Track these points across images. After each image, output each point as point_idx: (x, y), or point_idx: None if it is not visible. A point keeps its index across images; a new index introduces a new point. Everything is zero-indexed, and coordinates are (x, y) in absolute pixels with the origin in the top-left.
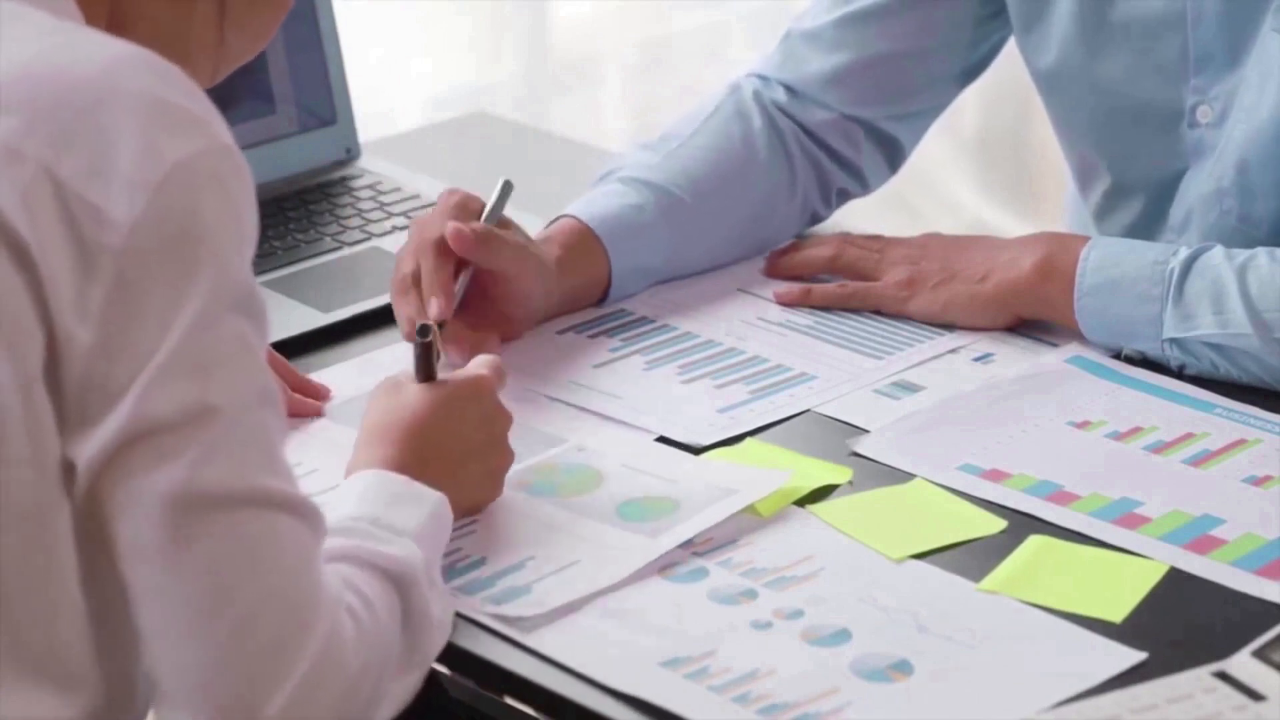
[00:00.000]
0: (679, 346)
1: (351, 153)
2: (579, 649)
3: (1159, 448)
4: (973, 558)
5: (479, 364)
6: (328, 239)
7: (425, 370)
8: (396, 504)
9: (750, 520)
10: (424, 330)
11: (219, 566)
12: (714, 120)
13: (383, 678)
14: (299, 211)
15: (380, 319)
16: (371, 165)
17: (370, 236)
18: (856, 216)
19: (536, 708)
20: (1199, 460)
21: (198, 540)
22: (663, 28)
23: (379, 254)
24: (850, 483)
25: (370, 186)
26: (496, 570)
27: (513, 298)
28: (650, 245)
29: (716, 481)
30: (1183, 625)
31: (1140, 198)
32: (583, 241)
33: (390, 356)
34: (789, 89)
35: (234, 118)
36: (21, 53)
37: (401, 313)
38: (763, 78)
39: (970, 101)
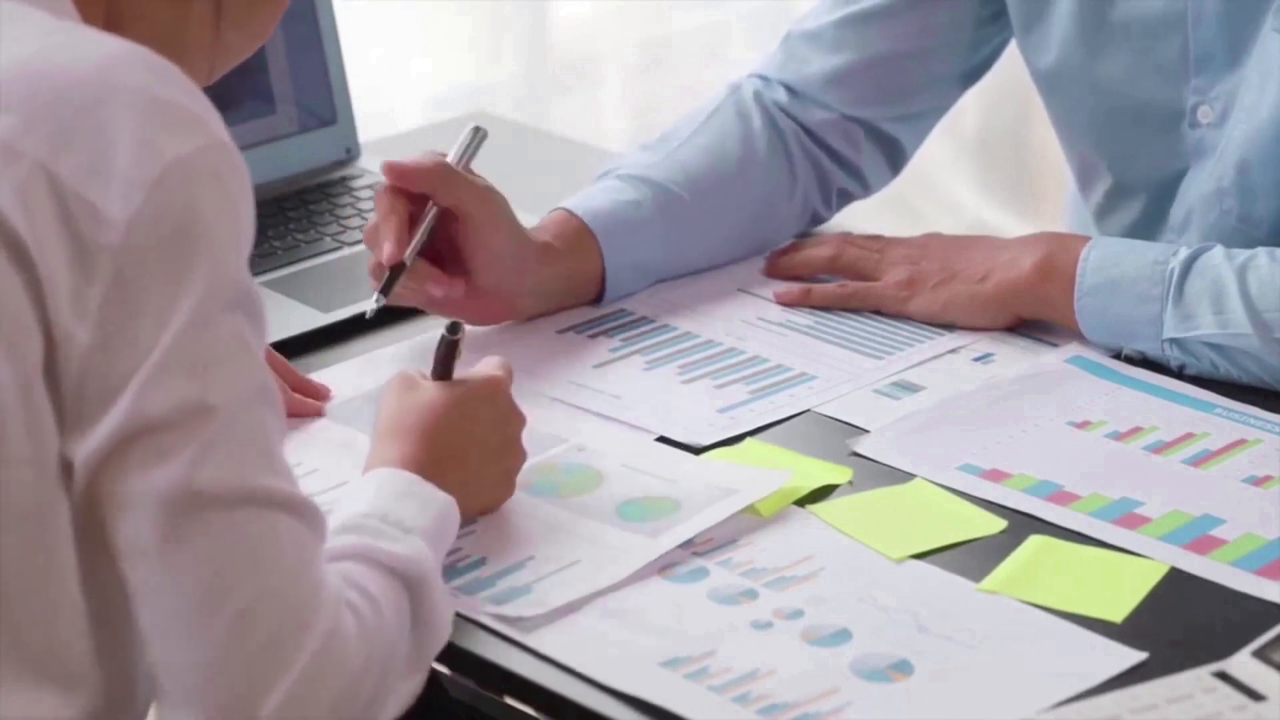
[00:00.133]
0: (679, 346)
1: (351, 153)
2: (579, 649)
3: (1159, 448)
4: (973, 558)
5: (490, 364)
6: (328, 239)
7: (444, 368)
8: (406, 501)
9: (750, 520)
10: (454, 328)
11: (216, 565)
12: (714, 120)
13: (387, 675)
14: (299, 211)
15: (380, 319)
16: (372, 165)
17: None
18: (857, 217)
19: (536, 708)
20: (1199, 460)
21: (195, 539)
22: (663, 28)
23: None
24: (850, 483)
25: (370, 186)
26: (497, 570)
27: (478, 247)
28: (648, 242)
29: (716, 481)
30: (1183, 625)
31: (1141, 198)
32: (574, 233)
33: (390, 356)
34: (789, 89)
35: (234, 118)
36: (20, 51)
37: (370, 264)
38: (763, 78)
39: (970, 102)
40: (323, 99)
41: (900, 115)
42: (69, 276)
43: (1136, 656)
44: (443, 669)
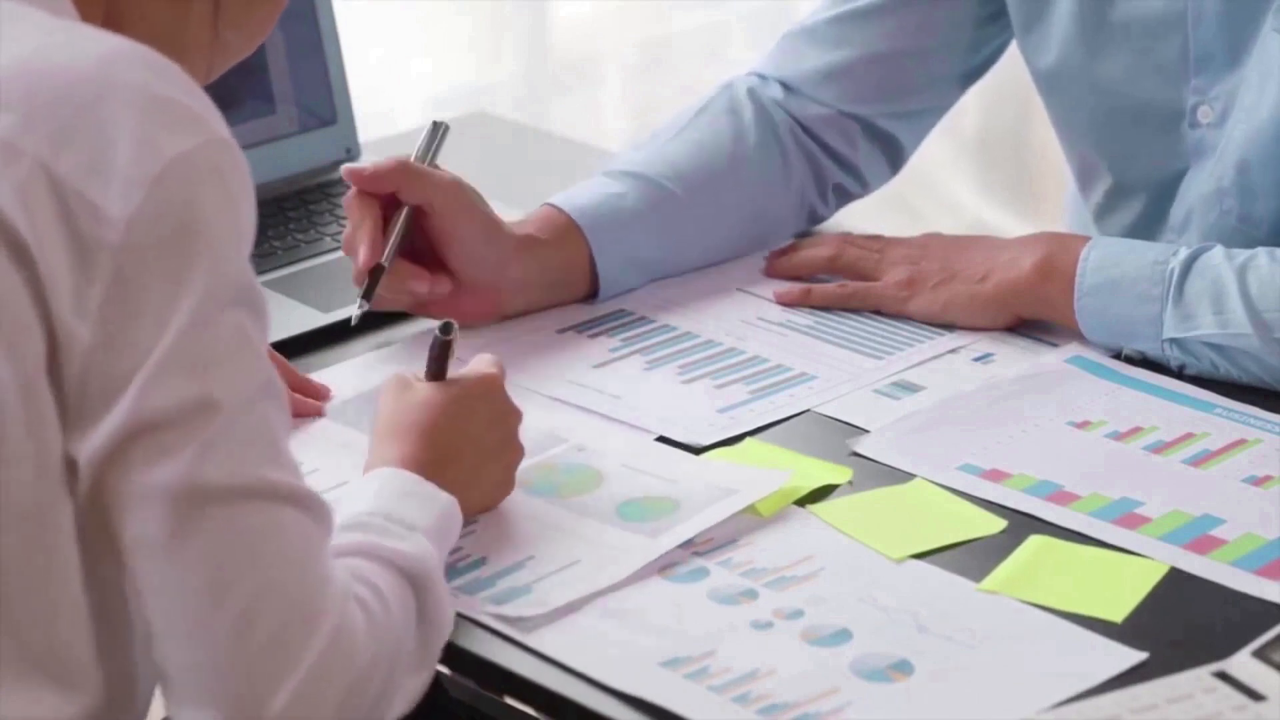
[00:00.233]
0: (679, 346)
1: (351, 153)
2: (579, 649)
3: (1159, 448)
4: (973, 558)
5: (483, 362)
6: (328, 239)
7: (438, 368)
8: (409, 501)
9: (750, 520)
10: (446, 328)
11: (221, 560)
12: (703, 115)
13: (394, 671)
14: (299, 211)
15: (380, 319)
16: None
17: None
18: (857, 217)
19: (536, 708)
20: (1199, 460)
21: (199, 534)
22: (663, 28)
23: None
24: (850, 483)
25: None
26: (497, 570)
27: (450, 238)
28: (638, 236)
29: (716, 481)
30: (1183, 625)
31: (1141, 198)
32: (557, 225)
33: (390, 356)
34: (785, 85)
35: (234, 118)
36: (20, 50)
37: (353, 273)
38: (759, 75)
39: (970, 102)
40: (323, 99)
41: (898, 113)
42: (70, 275)
43: (1136, 656)
44: (443, 669)
